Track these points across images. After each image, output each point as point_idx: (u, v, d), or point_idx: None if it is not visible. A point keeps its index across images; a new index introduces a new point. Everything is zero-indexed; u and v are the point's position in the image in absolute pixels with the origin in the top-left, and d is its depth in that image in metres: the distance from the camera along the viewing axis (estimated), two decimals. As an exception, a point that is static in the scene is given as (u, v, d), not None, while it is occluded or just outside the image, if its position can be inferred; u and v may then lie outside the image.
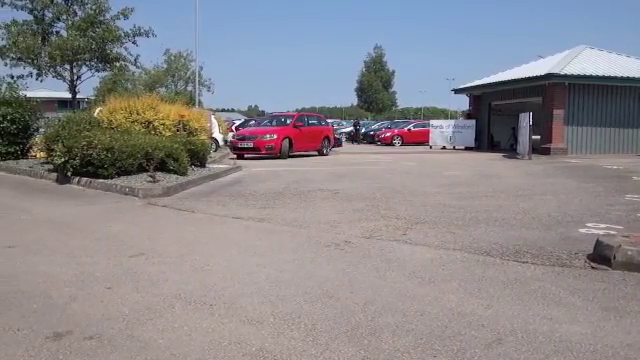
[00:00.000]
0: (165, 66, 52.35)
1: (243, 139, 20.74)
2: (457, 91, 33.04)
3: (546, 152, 23.57)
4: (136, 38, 23.45)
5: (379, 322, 3.63)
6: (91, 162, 10.30)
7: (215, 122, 22.67)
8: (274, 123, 22.83)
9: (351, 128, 44.99)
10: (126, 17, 22.84)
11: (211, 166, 14.25)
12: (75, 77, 24.59)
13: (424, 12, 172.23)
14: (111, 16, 23.06)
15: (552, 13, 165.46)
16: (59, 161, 10.54)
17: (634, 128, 24.98)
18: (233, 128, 31.08)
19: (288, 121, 22.51)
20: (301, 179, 12.54)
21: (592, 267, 5.01)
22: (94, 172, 10.33)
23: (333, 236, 6.30)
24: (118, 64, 24.61)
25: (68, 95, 26.22)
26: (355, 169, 15.83)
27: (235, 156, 20.35)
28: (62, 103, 48.37)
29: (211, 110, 29.60)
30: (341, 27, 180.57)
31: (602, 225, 6.92)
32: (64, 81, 24.58)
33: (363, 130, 41.18)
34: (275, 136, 20.41)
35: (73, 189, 10.20)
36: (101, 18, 22.82)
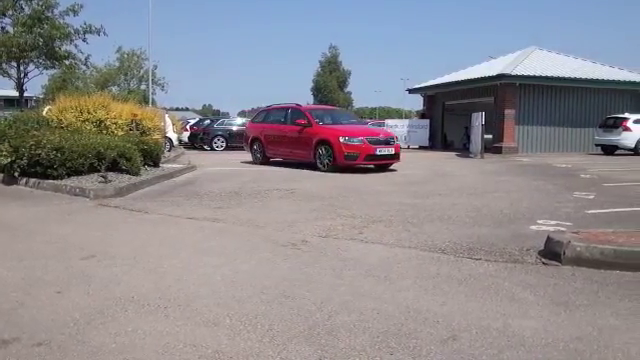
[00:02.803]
0: (117, 64, 51.33)
1: (379, 143, 14.54)
2: (411, 91, 33.52)
3: (498, 151, 24.12)
4: (86, 36, 22.95)
5: (336, 321, 3.62)
6: (40, 162, 10.01)
7: (169, 121, 22.32)
8: (346, 120, 17.00)
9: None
10: (75, 13, 22.33)
11: (165, 166, 14.04)
12: (22, 75, 23.93)
13: (378, 12, 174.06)
14: (60, 12, 22.50)
15: (502, 13, 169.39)
16: (5, 161, 10.21)
17: (582, 127, 25.79)
18: (188, 127, 30.72)
19: (352, 119, 17.98)
20: (257, 178, 12.47)
21: (543, 263, 5.13)
22: (43, 172, 10.04)
23: (289, 235, 6.28)
24: (67, 62, 24.05)
25: (15, 93, 25.51)
26: (311, 168, 15.81)
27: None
28: (9, 101, 47.01)
29: (165, 109, 29.22)
30: (296, 27, 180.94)
31: (552, 222, 7.09)
32: (10, 79, 23.90)
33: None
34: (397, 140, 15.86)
35: (20, 190, 9.89)
36: (49, 14, 22.23)
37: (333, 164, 14.24)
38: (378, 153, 14.37)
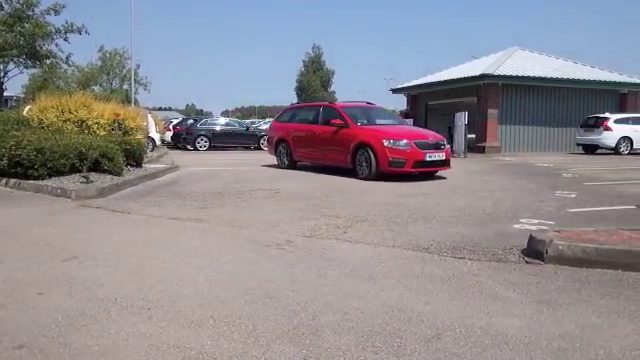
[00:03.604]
0: (100, 63, 50.89)
1: (428, 147, 12.48)
2: (395, 91, 33.64)
3: (481, 151, 24.28)
4: (68, 35, 22.72)
5: (320, 321, 3.62)
6: (20, 163, 9.88)
7: (152, 121, 22.14)
8: (386, 120, 14.72)
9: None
10: (57, 13, 22.10)
11: (148, 166, 13.93)
12: (2, 74, 23.64)
13: (362, 12, 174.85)
14: (41, 11, 22.26)
15: (485, 12, 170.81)
16: (-15, 162, 10.07)
17: (564, 127, 26.07)
18: (171, 127, 30.55)
19: (391, 118, 15.47)
20: (240, 178, 12.42)
21: (526, 262, 5.17)
22: (24, 173, 9.92)
23: (274, 236, 6.26)
24: (48, 61, 23.80)
25: (-5, 93, 25.17)
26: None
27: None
28: (-12, 101, 46.31)
29: (147, 109, 29.04)
30: (280, 26, 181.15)
31: (535, 221, 7.15)
32: (-10, 78, 23.59)
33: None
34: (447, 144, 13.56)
35: (0, 191, 9.75)
36: (30, 13, 21.98)
37: (375, 171, 12.25)
38: (428, 159, 12.32)
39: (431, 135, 13.29)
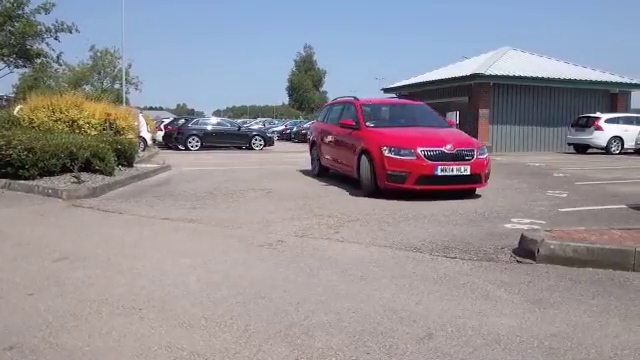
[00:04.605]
0: (91, 63, 50.66)
1: (443, 157, 9.17)
2: (386, 90, 33.61)
3: (472, 150, 24.30)
4: (58, 34, 22.60)
5: (312, 321, 3.62)
6: (10, 163, 9.81)
7: (143, 121, 22.02)
8: (418, 121, 11.24)
9: (283, 127, 44.92)
10: (47, 11, 21.96)
11: (139, 166, 13.87)
12: (-8, 73, 23.51)
13: (354, 12, 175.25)
14: (30, 10, 22.12)
15: (476, 11, 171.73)
16: (-25, 162, 9.98)
17: (555, 127, 26.17)
18: (162, 127, 30.44)
19: (418, 118, 11.53)
20: (232, 178, 12.40)
21: (517, 261, 5.19)
22: (14, 173, 9.83)
23: (265, 236, 6.25)
24: (39, 60, 23.65)
25: (-16, 92, 24.99)
26: (287, 167, 15.77)
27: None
28: (-22, 101, 45.95)
29: (139, 108, 28.92)
30: (271, 26, 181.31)
31: (526, 220, 7.18)
32: (-20, 77, 23.47)
33: (295, 129, 40.94)
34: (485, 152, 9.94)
35: (-9, 191, 9.69)
36: (20, 12, 21.84)
37: (371, 186, 9.63)
38: (439, 174, 9.08)
39: (452, 141, 9.62)
